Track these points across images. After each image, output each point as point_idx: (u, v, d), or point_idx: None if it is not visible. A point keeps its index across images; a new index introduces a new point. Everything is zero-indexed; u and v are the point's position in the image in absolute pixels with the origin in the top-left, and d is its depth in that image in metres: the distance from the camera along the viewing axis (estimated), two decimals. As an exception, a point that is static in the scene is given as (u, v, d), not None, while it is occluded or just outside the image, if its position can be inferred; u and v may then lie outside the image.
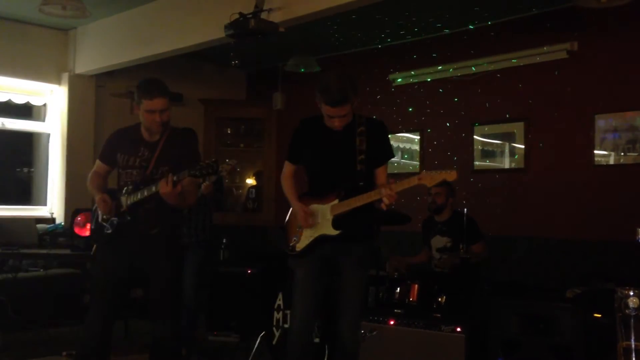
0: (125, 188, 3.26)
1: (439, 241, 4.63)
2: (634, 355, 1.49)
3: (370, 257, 3.30)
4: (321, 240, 3.15)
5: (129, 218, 3.23)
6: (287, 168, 3.37)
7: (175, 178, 3.03)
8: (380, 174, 3.19)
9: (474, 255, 4.27)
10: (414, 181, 2.94)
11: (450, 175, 2.88)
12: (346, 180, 3.12)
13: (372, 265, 3.52)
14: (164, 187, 3.03)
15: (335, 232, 3.10)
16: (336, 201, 3.12)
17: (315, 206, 3.19)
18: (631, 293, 1.50)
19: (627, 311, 1.50)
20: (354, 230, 3.12)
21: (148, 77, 3.30)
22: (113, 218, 3.27)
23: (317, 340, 3.94)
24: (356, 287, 3.20)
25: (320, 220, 3.15)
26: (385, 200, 2.95)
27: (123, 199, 3.25)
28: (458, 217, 4.34)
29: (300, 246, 3.21)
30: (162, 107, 3.18)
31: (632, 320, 1.50)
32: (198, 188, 3.72)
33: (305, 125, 3.31)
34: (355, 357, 3.26)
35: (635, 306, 1.49)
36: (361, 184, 3.09)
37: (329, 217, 3.12)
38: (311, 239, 3.17)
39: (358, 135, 3.14)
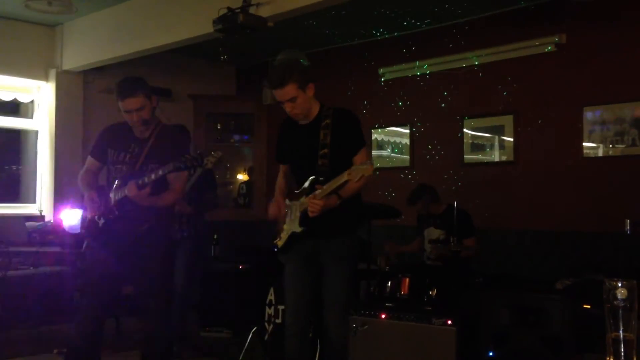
0: (114, 184, 3.25)
1: (433, 233, 4.66)
2: (622, 346, 1.50)
3: (353, 251, 3.24)
4: (294, 237, 3.14)
5: (117, 213, 3.22)
6: (280, 167, 3.42)
7: (161, 172, 3.03)
8: (357, 162, 3.09)
9: (465, 249, 4.29)
10: (344, 177, 2.94)
11: (366, 170, 2.88)
12: (309, 176, 3.09)
13: (358, 259, 3.49)
14: (130, 191, 3.06)
15: (299, 229, 3.09)
16: (304, 198, 3.10)
17: (290, 203, 3.20)
18: (619, 284, 1.51)
19: (615, 302, 1.51)
20: (322, 226, 3.05)
21: (123, 77, 3.30)
22: (102, 214, 3.26)
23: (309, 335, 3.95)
24: (338, 282, 3.16)
25: (292, 217, 3.15)
26: (309, 208, 2.98)
27: (112, 194, 3.24)
28: (453, 211, 4.35)
29: (280, 243, 3.23)
30: (137, 106, 3.18)
31: (620, 311, 1.51)
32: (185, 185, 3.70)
33: (283, 124, 3.34)
34: (343, 351, 3.24)
35: (624, 297, 1.50)
36: (321, 179, 3.03)
37: (298, 214, 3.11)
38: (287, 236, 3.18)
39: (322, 128, 3.12)
